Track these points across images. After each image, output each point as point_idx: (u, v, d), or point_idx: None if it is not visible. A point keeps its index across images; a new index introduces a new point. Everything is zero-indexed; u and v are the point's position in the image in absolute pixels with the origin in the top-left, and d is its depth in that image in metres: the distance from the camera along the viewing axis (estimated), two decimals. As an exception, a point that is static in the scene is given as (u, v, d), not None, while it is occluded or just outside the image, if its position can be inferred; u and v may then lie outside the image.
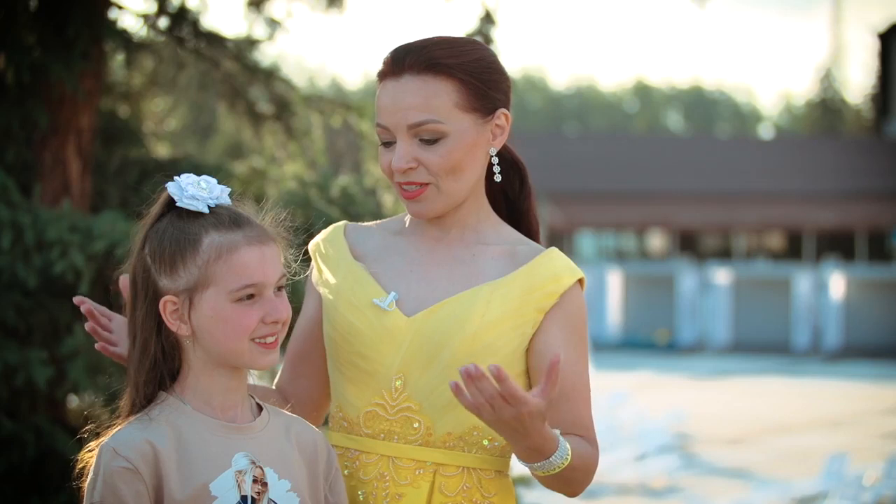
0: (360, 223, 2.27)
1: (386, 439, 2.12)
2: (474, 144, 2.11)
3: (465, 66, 2.10)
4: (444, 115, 2.08)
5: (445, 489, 2.10)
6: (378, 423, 2.12)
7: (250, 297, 1.95)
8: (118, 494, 1.90)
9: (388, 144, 2.12)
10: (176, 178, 1.98)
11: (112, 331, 2.22)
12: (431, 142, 2.09)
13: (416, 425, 2.10)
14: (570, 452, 1.99)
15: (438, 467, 2.11)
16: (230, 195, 2.02)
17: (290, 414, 2.10)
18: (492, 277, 2.13)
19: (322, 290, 2.19)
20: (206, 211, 1.97)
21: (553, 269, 2.12)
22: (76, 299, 2.18)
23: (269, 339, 1.97)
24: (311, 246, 2.25)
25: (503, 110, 2.14)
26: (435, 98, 2.08)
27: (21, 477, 4.69)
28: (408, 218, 2.22)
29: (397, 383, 2.11)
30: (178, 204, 1.97)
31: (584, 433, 2.11)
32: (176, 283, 1.96)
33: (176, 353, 1.99)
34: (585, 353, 2.13)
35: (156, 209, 2.00)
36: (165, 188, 2.00)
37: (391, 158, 2.11)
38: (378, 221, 2.28)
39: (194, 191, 1.96)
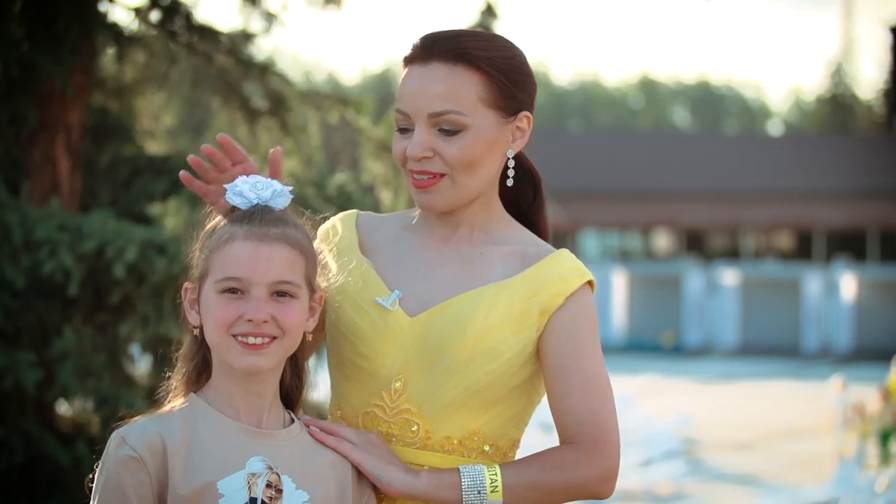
0: (372, 213, 2.27)
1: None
2: (493, 142, 2.10)
3: (494, 62, 2.09)
4: (467, 107, 2.07)
5: None
6: (376, 424, 2.10)
7: (234, 290, 1.94)
8: (119, 482, 1.91)
9: (404, 131, 2.11)
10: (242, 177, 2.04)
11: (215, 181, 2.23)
12: (451, 133, 2.08)
13: (414, 428, 2.08)
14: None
15: None
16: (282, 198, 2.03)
17: None
18: (499, 278, 2.12)
19: (327, 286, 2.14)
20: (244, 208, 1.99)
21: (560, 271, 2.11)
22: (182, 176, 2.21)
23: (251, 340, 1.94)
24: (327, 225, 2.24)
25: (526, 113, 2.13)
26: (461, 89, 2.07)
27: (10, 482, 4.68)
28: (419, 212, 2.20)
29: (397, 384, 2.09)
30: (226, 197, 2.01)
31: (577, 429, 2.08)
32: (194, 272, 2.01)
33: (201, 348, 2.01)
34: (587, 352, 2.08)
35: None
36: None
37: (406, 145, 2.09)
38: (392, 213, 2.28)
39: (243, 188, 2.00)
